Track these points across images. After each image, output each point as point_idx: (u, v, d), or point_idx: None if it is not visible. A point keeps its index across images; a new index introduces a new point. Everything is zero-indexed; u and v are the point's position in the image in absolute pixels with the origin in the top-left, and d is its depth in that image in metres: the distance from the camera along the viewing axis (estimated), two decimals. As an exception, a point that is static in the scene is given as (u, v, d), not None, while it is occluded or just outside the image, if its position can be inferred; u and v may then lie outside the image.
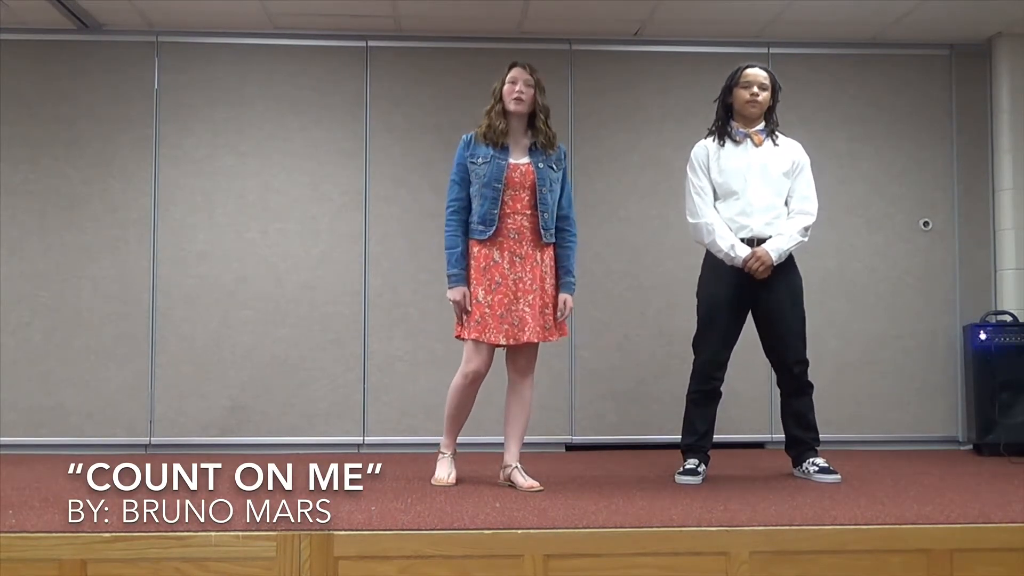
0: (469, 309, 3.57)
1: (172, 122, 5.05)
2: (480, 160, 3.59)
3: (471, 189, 3.62)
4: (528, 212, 3.60)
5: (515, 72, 3.62)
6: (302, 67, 5.12)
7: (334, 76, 5.12)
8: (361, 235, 5.06)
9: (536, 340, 3.59)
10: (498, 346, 3.60)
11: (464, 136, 3.68)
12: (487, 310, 3.55)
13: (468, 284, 3.59)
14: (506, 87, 3.62)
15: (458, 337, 3.66)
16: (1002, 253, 5.17)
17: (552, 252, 3.67)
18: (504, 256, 3.57)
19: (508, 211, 3.58)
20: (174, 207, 5.02)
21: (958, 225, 5.23)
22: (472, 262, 3.60)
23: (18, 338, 4.92)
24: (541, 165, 3.62)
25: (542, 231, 3.60)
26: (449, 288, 3.62)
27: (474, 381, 3.64)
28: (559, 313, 3.66)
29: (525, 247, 3.59)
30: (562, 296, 3.67)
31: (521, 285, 3.57)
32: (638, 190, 5.16)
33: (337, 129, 5.11)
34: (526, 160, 3.62)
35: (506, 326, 3.54)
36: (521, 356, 3.64)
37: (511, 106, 3.61)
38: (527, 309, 3.55)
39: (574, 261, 3.72)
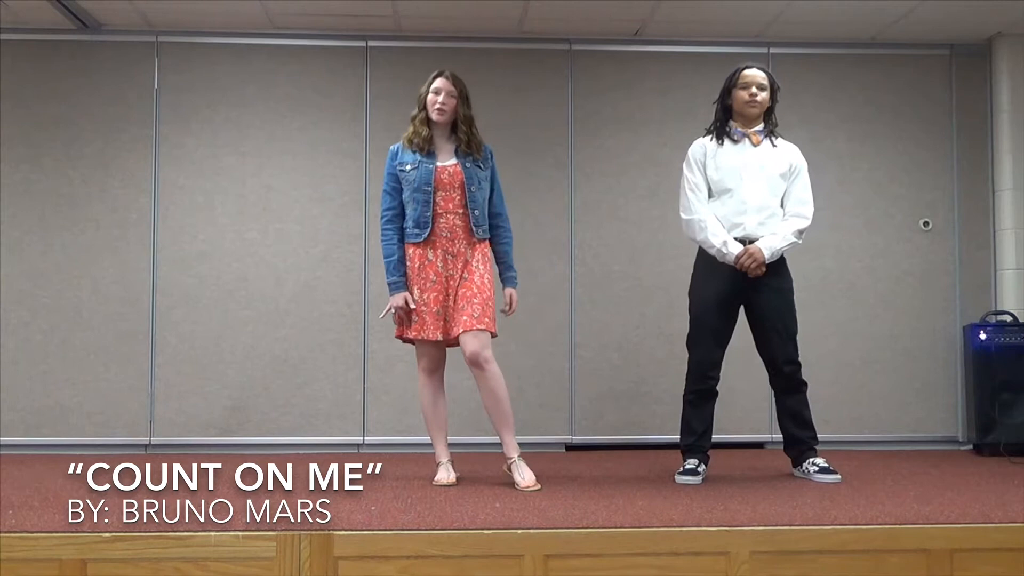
0: (412, 307, 3.66)
1: (172, 122, 5.04)
2: (408, 167, 3.69)
3: (403, 195, 3.71)
4: (460, 211, 3.69)
5: (439, 83, 3.69)
6: (302, 67, 5.11)
7: (334, 76, 5.11)
8: (361, 235, 5.05)
9: (464, 329, 3.59)
10: (436, 342, 3.69)
11: (391, 147, 3.78)
12: (424, 308, 3.66)
13: (409, 288, 3.69)
14: (429, 97, 3.69)
15: (398, 337, 3.79)
16: (1002, 253, 5.17)
17: (484, 248, 3.75)
18: (438, 255, 3.68)
19: (440, 211, 3.67)
20: (174, 207, 5.02)
21: (958, 225, 5.23)
22: (408, 263, 3.70)
23: (18, 338, 4.92)
24: (468, 164, 3.70)
25: (474, 228, 3.70)
26: (391, 295, 3.71)
27: (431, 376, 3.77)
28: (506, 307, 3.77)
29: (458, 245, 3.69)
30: (508, 291, 3.80)
31: (452, 282, 3.67)
32: (638, 190, 5.16)
33: (337, 129, 5.11)
34: (453, 161, 3.70)
35: (441, 322, 3.65)
36: (466, 347, 3.62)
37: (433, 116, 3.68)
38: (453, 304, 3.65)
39: (512, 256, 3.83)
